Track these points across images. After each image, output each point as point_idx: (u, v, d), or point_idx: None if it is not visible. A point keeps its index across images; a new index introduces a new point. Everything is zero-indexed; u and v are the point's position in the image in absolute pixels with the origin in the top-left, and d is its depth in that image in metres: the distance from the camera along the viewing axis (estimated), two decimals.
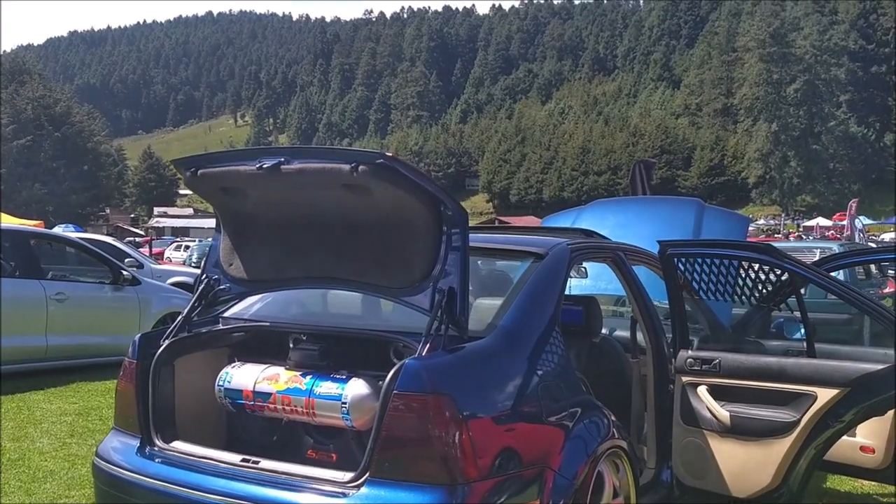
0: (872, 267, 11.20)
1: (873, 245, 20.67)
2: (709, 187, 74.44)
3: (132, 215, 76.81)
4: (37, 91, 67.26)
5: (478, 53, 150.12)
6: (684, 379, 3.50)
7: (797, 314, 3.73)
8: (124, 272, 8.14)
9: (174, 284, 10.38)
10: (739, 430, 3.34)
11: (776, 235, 42.94)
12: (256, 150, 2.75)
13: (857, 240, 21.54)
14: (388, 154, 2.59)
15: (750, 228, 11.50)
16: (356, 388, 2.76)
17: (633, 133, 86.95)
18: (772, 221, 61.46)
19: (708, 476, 3.44)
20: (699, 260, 3.65)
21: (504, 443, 2.66)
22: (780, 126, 76.49)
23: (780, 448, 3.25)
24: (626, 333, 4.30)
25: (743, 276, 3.68)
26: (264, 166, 2.66)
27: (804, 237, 36.24)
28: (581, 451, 2.89)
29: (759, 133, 77.72)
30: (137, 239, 41.09)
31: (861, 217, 30.36)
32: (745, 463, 3.36)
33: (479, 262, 4.32)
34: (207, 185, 2.91)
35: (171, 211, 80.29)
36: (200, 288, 3.13)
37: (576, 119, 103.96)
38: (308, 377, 2.85)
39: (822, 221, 48.56)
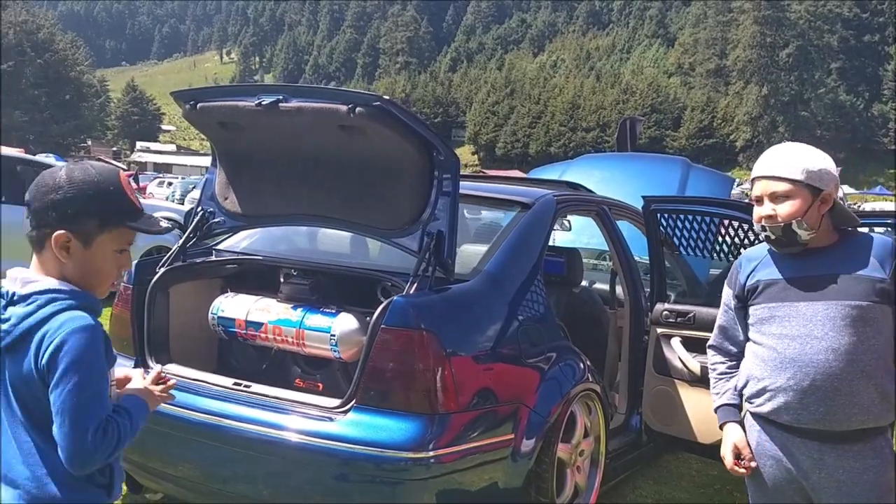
0: None
1: None
2: (697, 149, 74.41)
3: (114, 148, 75.65)
4: (19, 16, 65.56)
5: (471, 0, 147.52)
6: (659, 330, 3.63)
7: None
8: None
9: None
10: (708, 381, 3.49)
11: None
12: (256, 87, 2.80)
13: None
14: (384, 97, 2.64)
15: (734, 191, 11.63)
16: (345, 321, 2.87)
17: (624, 90, 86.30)
18: None
19: (675, 423, 3.60)
20: (681, 216, 3.75)
21: (483, 379, 2.79)
22: (771, 90, 76.41)
23: None
24: (605, 286, 4.43)
25: (723, 233, 3.80)
26: (263, 103, 2.70)
27: None
28: (556, 391, 3.03)
29: (749, 96, 77.63)
30: None
31: (843, 186, 30.65)
32: (711, 412, 3.51)
33: (465, 210, 4.41)
34: (206, 118, 2.95)
35: (153, 146, 79.11)
36: (195, 220, 3.20)
37: (567, 73, 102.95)
38: (299, 310, 2.96)
39: None
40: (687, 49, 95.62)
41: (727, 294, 2.34)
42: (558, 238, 4.74)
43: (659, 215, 3.76)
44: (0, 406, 1.55)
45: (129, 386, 1.71)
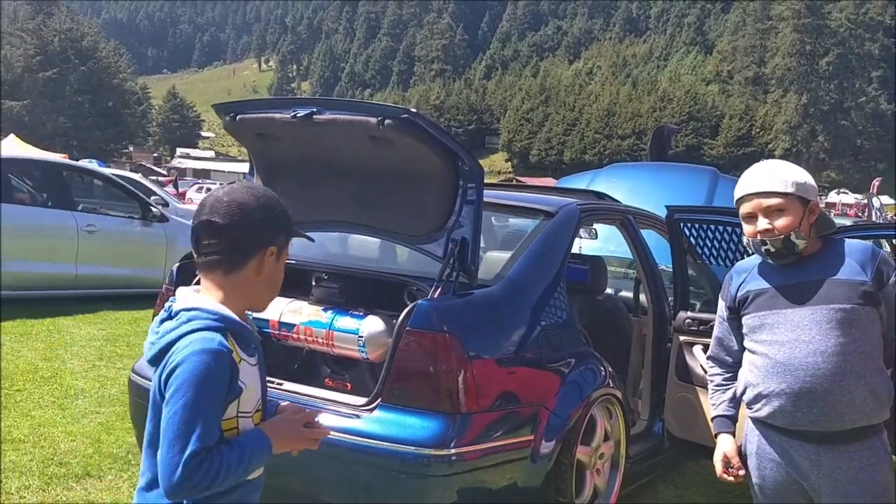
0: (884, 244, 11.21)
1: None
2: (734, 157, 73.43)
3: (155, 154, 77.18)
4: (64, 23, 67.15)
5: (507, 7, 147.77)
6: (681, 338, 3.69)
7: None
8: (153, 208, 8.40)
9: None
10: None
11: None
12: (291, 100, 2.95)
13: (873, 218, 21.44)
14: (412, 110, 2.77)
15: None
16: (372, 323, 3.00)
17: (661, 98, 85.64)
18: None
19: (696, 429, 3.65)
20: (706, 226, 3.81)
21: (504, 381, 2.89)
22: (810, 99, 75.31)
23: None
24: (630, 294, 4.49)
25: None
26: (298, 115, 2.85)
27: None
28: (576, 395, 3.12)
29: (788, 105, 76.57)
30: (160, 178, 41.37)
31: (881, 196, 30.07)
32: None
33: (492, 218, 4.51)
34: (244, 129, 3.11)
35: (193, 153, 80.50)
36: None
37: (603, 80, 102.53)
38: (329, 312, 3.09)
39: (844, 199, 48.03)
40: (725, 57, 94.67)
41: (721, 306, 2.44)
42: (585, 246, 4.82)
43: (682, 224, 3.83)
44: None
45: (273, 419, 1.67)
